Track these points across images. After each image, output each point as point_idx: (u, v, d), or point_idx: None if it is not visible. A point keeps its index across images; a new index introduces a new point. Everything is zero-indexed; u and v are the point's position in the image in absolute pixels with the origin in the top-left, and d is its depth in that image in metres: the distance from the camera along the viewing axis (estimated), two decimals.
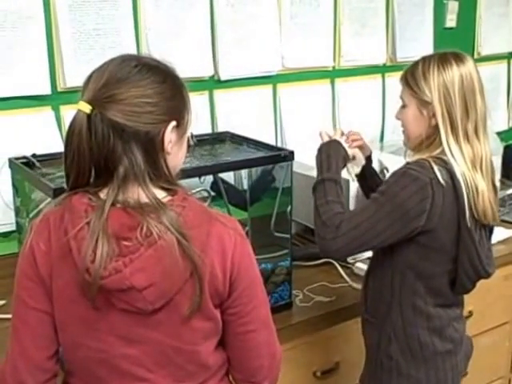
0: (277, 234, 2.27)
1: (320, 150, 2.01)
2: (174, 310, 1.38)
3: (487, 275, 1.95)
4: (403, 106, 1.96)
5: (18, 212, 2.13)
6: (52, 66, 2.41)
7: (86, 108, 1.34)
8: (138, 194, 1.37)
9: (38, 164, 2.04)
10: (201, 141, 2.31)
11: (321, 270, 2.37)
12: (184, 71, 2.53)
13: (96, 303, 1.36)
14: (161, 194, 1.40)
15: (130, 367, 1.42)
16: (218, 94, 2.78)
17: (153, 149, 1.38)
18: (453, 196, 1.82)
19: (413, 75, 1.91)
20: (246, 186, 2.53)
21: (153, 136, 1.37)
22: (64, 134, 2.41)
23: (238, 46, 2.77)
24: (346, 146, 2.05)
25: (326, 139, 2.06)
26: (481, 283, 1.98)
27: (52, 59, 2.41)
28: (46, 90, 2.40)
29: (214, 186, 2.31)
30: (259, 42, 2.83)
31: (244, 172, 2.53)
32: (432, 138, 1.88)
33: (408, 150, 1.98)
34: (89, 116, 1.34)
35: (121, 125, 1.34)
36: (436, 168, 1.80)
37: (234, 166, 2.20)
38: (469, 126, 1.86)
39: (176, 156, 1.45)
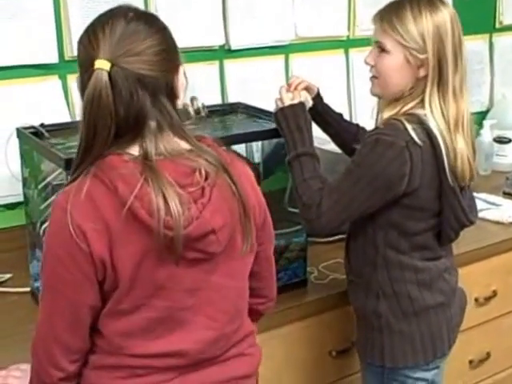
0: (291, 209, 2.20)
1: (286, 118, 1.90)
2: (231, 248, 1.41)
3: (471, 224, 1.90)
4: (381, 50, 1.80)
5: (25, 183, 2.06)
6: (59, 35, 2.35)
7: (106, 65, 1.30)
8: (177, 143, 1.38)
9: (46, 134, 1.98)
10: (212, 112, 2.23)
11: (336, 246, 2.29)
12: (194, 40, 2.54)
13: (179, 258, 1.34)
14: (194, 139, 1.42)
15: (192, 318, 1.42)
16: (229, 63, 2.70)
17: (174, 96, 1.40)
18: (432, 154, 1.75)
19: (400, 18, 1.75)
20: (257, 160, 2.46)
21: (172, 83, 1.39)
22: (71, 102, 2.38)
23: (249, 14, 2.69)
24: (309, 102, 1.97)
25: (288, 102, 1.93)
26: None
27: (59, 27, 2.35)
28: (53, 58, 2.34)
29: None
30: (271, 10, 2.74)
31: (256, 145, 2.45)
32: (411, 89, 1.77)
33: (379, 104, 1.86)
34: (109, 74, 1.30)
35: (146, 76, 1.32)
36: (410, 128, 1.72)
37: (248, 138, 2.13)
38: (456, 79, 1.76)
39: (181, 102, 1.47)
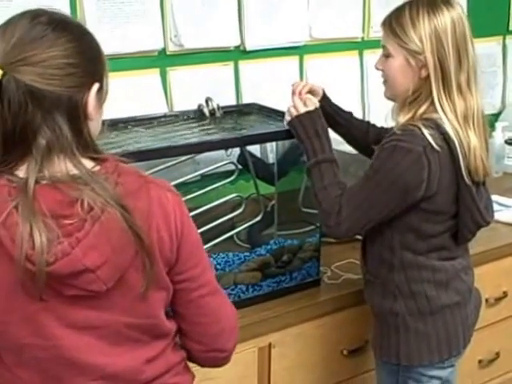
0: (304, 210, 2.22)
1: (303, 126, 1.91)
2: (126, 286, 1.29)
3: (487, 224, 1.92)
4: (386, 56, 1.84)
5: None
6: None
7: None
8: (65, 166, 1.24)
9: None
10: (227, 112, 2.26)
11: (349, 246, 2.31)
12: (209, 41, 2.56)
13: (41, 294, 1.22)
14: (90, 165, 1.27)
15: (85, 357, 1.31)
16: (244, 64, 2.70)
17: (77, 115, 1.25)
18: (449, 159, 1.77)
19: (399, 22, 1.79)
20: (271, 160, 2.48)
21: (76, 101, 1.24)
22: None
23: (264, 15, 2.68)
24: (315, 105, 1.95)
25: (303, 109, 1.94)
26: None
27: None
28: None
29: (241, 159, 2.25)
30: (286, 11, 2.74)
31: (270, 145, 2.47)
32: (420, 90, 1.79)
33: (393, 108, 1.87)
34: (0, 82, 1.19)
35: (41, 90, 1.19)
36: (427, 133, 1.73)
37: (263, 139, 2.15)
38: (461, 77, 1.77)
39: (97, 122, 1.33)
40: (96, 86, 1.28)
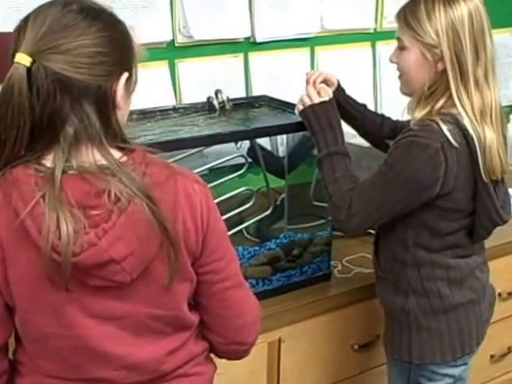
0: (315, 203, 2.19)
1: (317, 116, 1.88)
2: (151, 277, 1.29)
3: (504, 223, 1.88)
4: (401, 48, 1.81)
5: None
6: None
7: (26, 60, 1.18)
8: (93, 156, 1.24)
9: None
10: (237, 105, 2.24)
11: (360, 240, 2.29)
12: (219, 32, 2.53)
13: (67, 285, 1.23)
14: (117, 155, 1.27)
15: (108, 346, 1.32)
16: (254, 56, 2.68)
17: (106, 104, 1.25)
18: (467, 156, 1.72)
19: (414, 14, 1.75)
20: (281, 153, 2.45)
21: (105, 90, 1.24)
22: None
23: (275, 6, 2.65)
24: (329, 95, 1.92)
25: (317, 99, 1.90)
26: None
27: None
28: None
29: (251, 152, 2.23)
30: (297, 2, 2.71)
31: (280, 138, 2.45)
32: (436, 85, 1.75)
33: (410, 103, 1.83)
34: (29, 70, 1.19)
35: (70, 79, 1.19)
36: (446, 129, 1.69)
37: (274, 131, 2.12)
38: (479, 70, 1.73)
39: (125, 112, 1.34)
40: (125, 75, 1.27)
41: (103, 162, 1.25)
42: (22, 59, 1.18)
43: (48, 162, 1.24)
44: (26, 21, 1.22)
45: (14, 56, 1.20)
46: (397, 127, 2.06)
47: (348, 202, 1.77)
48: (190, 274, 1.37)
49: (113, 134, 1.27)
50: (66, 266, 1.19)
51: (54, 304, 1.27)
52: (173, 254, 1.28)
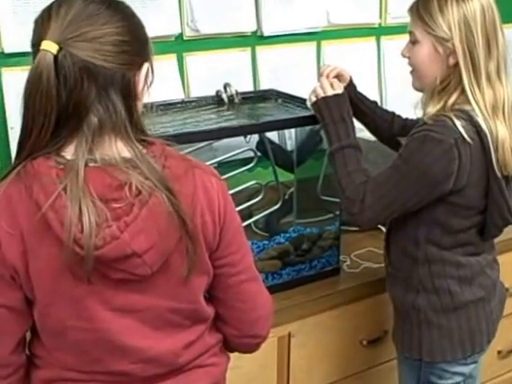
0: (323, 198, 2.19)
1: (329, 108, 1.87)
2: (170, 270, 1.30)
3: None
4: (413, 42, 1.80)
5: None
6: None
7: (53, 48, 1.18)
8: (116, 147, 1.24)
9: None
10: (245, 98, 2.23)
11: (369, 235, 2.28)
12: (226, 26, 2.52)
13: (89, 277, 1.23)
14: (139, 147, 1.27)
15: (127, 340, 1.32)
16: (261, 50, 2.67)
17: (129, 94, 1.26)
18: (480, 152, 1.72)
19: (427, 8, 1.75)
20: (289, 147, 2.45)
21: (129, 79, 1.25)
22: None
23: (282, 0, 2.64)
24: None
25: (330, 92, 1.90)
26: None
27: None
28: None
29: (260, 145, 2.22)
30: None
31: (288, 132, 2.45)
32: (449, 79, 1.74)
33: (422, 98, 1.82)
34: (55, 58, 1.19)
35: (96, 66, 1.20)
36: (459, 124, 1.68)
37: (284, 125, 2.12)
38: (491, 66, 1.72)
39: (142, 104, 1.35)
40: (146, 65, 1.29)
41: (126, 153, 1.25)
42: (50, 46, 1.18)
43: (68, 154, 1.24)
44: (49, 10, 1.23)
45: (37, 45, 1.20)
46: (407, 125, 2.06)
47: (361, 196, 1.76)
48: (207, 267, 1.37)
49: (135, 125, 1.27)
50: (89, 259, 1.19)
51: (74, 297, 1.26)
52: (191, 247, 1.28)
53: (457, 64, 1.73)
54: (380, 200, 1.76)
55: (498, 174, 1.74)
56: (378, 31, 2.97)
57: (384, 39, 2.97)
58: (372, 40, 2.97)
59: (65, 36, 1.19)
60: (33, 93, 1.20)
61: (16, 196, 1.21)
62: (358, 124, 2.19)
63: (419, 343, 1.87)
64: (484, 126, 1.71)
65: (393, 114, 2.17)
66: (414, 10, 1.79)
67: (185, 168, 1.30)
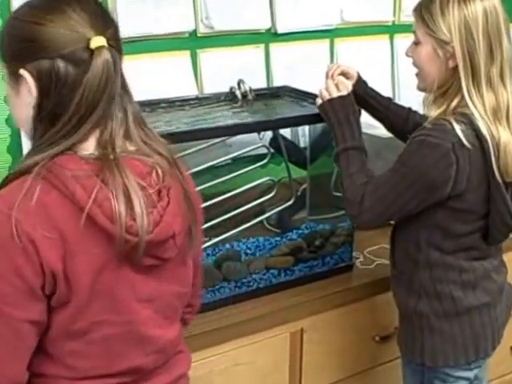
0: (336, 194, 2.19)
1: (335, 110, 1.88)
2: (180, 253, 1.31)
3: None
4: (416, 43, 1.80)
5: None
6: None
7: (105, 42, 1.19)
8: (137, 136, 1.26)
9: None
10: (259, 95, 2.23)
11: (382, 231, 2.26)
12: (240, 23, 2.53)
13: (131, 267, 1.24)
14: (151, 129, 1.33)
15: (148, 330, 1.32)
16: (274, 47, 2.67)
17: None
18: (481, 157, 1.70)
19: (428, 9, 1.73)
20: (302, 144, 2.45)
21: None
22: None
23: None
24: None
25: (335, 94, 1.90)
26: None
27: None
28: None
29: (273, 142, 2.23)
30: None
31: (301, 129, 2.45)
32: (449, 83, 1.73)
33: (424, 99, 1.81)
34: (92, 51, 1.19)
35: (120, 60, 1.24)
36: (459, 129, 1.67)
37: (298, 122, 2.13)
38: (493, 70, 1.70)
39: None
40: None
41: (146, 139, 1.28)
42: (102, 41, 1.19)
43: (88, 149, 1.23)
44: (66, 12, 1.20)
45: (82, 42, 1.19)
46: (423, 121, 2.05)
47: (360, 197, 1.77)
48: (197, 250, 1.42)
49: None
50: (142, 245, 1.20)
51: (111, 290, 1.25)
52: (194, 228, 1.32)
53: (457, 67, 1.72)
54: (378, 202, 1.76)
55: (499, 180, 1.72)
56: (391, 29, 2.97)
57: (398, 37, 2.96)
58: (386, 38, 2.96)
59: (105, 31, 1.21)
60: (99, 92, 1.19)
61: (49, 198, 1.18)
62: (373, 121, 2.21)
63: (421, 348, 1.85)
64: (484, 131, 1.69)
65: (408, 109, 2.16)
66: (417, 11, 1.78)
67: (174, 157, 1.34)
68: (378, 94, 2.14)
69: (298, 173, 2.27)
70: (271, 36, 2.65)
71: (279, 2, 2.62)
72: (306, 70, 2.72)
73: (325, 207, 2.24)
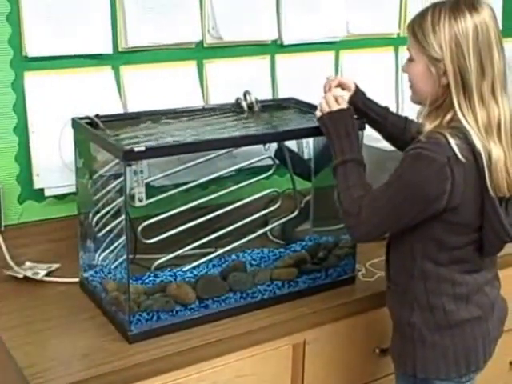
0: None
1: (334, 123, 1.89)
2: None
3: (511, 240, 1.83)
4: (410, 59, 1.81)
5: (78, 173, 2.04)
6: (114, 25, 2.32)
7: None
8: None
9: (101, 125, 1.96)
10: (265, 107, 2.25)
11: (383, 244, 2.26)
12: (247, 34, 2.54)
13: None
14: None
15: None
16: (280, 58, 2.69)
17: None
18: (475, 171, 1.70)
19: (421, 27, 1.74)
20: (306, 155, 2.46)
21: None
22: (123, 94, 2.35)
23: (302, 9, 2.67)
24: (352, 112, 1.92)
25: (335, 107, 1.91)
26: None
27: (114, 18, 2.32)
28: (107, 49, 2.31)
29: (278, 153, 2.24)
30: (325, 6, 2.73)
31: (306, 141, 2.46)
32: (442, 98, 1.74)
33: (419, 112, 1.81)
34: None
35: None
36: (454, 143, 1.67)
37: (304, 134, 2.14)
38: (484, 86, 1.70)
39: None
40: None
41: None
42: None
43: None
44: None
45: None
46: (420, 130, 2.06)
47: (357, 210, 1.78)
48: None
49: None
50: None
51: None
52: None
53: (449, 84, 1.73)
54: (374, 215, 1.77)
55: (492, 194, 1.73)
56: (396, 41, 2.99)
57: (402, 49, 2.94)
58: (391, 50, 2.99)
59: None
60: None
61: None
62: (375, 134, 2.22)
63: (413, 360, 1.85)
64: (479, 145, 1.69)
65: (405, 119, 2.17)
66: (410, 28, 1.79)
67: None
68: (375, 103, 2.15)
69: (302, 184, 2.28)
70: (277, 47, 2.67)
71: (286, 14, 2.64)
72: (312, 82, 2.71)
73: (328, 219, 2.25)
